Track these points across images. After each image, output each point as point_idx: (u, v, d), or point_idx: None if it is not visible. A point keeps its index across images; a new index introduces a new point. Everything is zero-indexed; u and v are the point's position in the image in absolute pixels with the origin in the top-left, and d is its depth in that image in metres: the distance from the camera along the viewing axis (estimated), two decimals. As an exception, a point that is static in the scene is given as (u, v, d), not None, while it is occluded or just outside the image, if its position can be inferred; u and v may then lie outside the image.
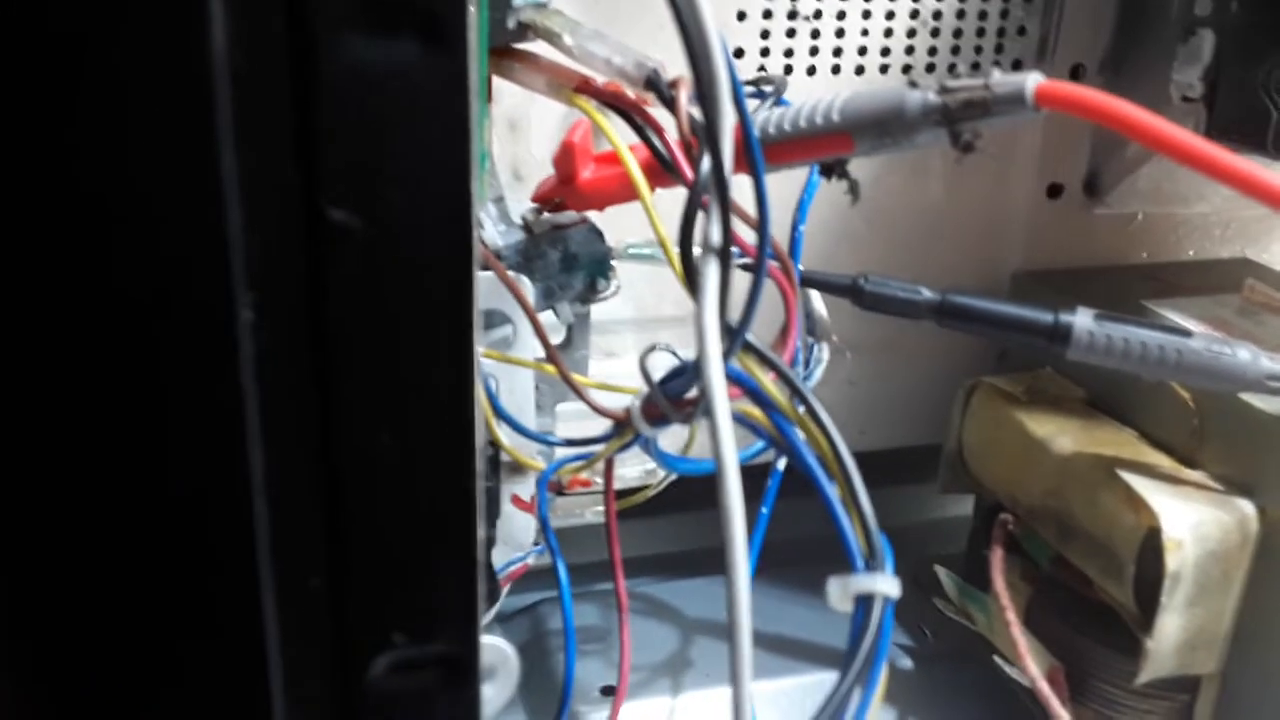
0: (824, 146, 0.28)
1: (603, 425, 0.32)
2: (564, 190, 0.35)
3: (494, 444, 0.36)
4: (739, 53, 0.44)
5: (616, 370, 0.44)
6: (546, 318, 0.36)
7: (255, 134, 0.16)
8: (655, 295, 0.45)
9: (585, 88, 0.32)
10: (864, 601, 0.24)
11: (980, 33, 0.46)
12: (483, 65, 0.32)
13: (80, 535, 0.18)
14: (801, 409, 0.26)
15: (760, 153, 0.24)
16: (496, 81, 0.34)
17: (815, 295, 0.37)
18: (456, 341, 0.18)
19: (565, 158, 0.34)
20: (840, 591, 0.24)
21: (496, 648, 0.24)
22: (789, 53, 0.44)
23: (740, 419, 0.27)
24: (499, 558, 0.39)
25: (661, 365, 0.29)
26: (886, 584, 0.24)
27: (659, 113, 0.31)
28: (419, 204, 0.17)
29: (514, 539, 0.39)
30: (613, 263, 0.37)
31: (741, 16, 0.43)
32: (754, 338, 0.26)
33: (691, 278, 0.24)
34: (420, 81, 0.17)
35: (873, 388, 0.50)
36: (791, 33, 0.44)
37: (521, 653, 0.25)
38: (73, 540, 0.18)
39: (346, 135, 0.17)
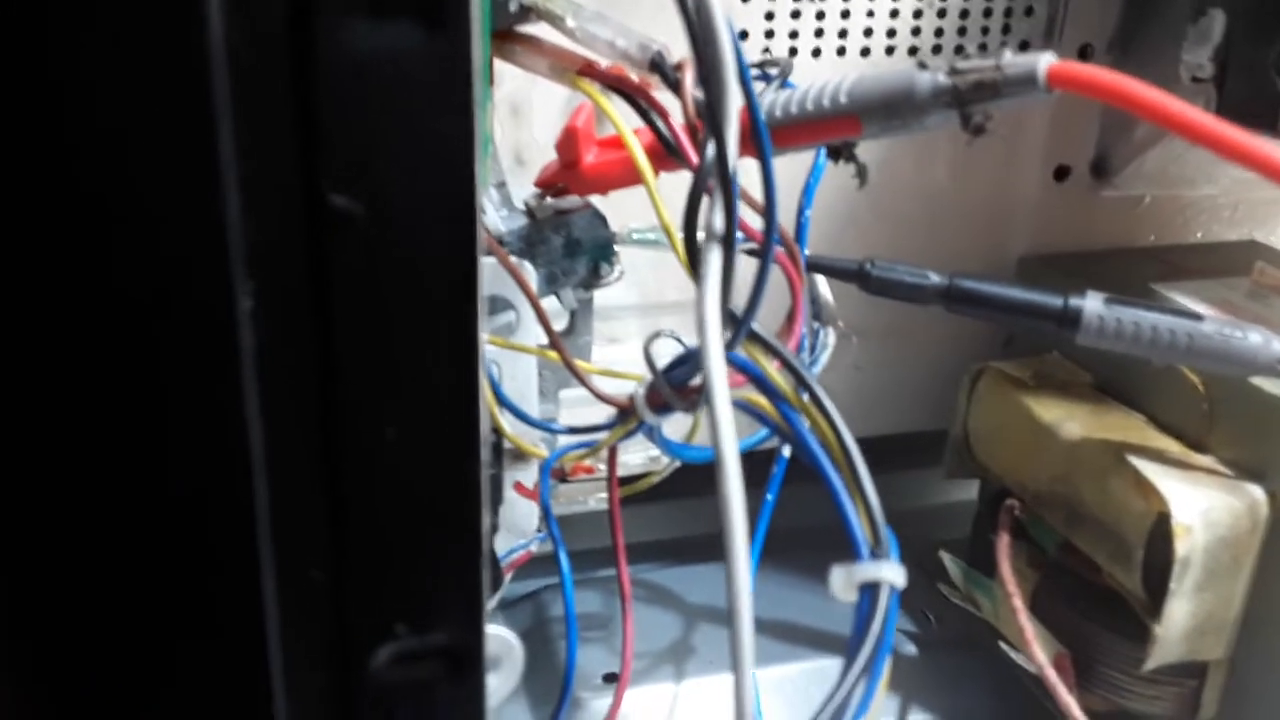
0: (831, 129, 0.28)
1: (606, 411, 0.32)
2: (567, 175, 0.34)
3: (497, 431, 0.36)
4: (743, 35, 0.43)
5: (619, 356, 0.43)
6: (549, 303, 0.36)
7: (254, 119, 0.16)
8: (658, 281, 0.45)
9: (588, 71, 0.32)
10: (869, 590, 0.24)
11: (987, 13, 0.46)
12: (485, 49, 0.32)
13: (79, 525, 0.18)
14: (806, 396, 0.26)
15: (767, 136, 0.24)
16: (498, 65, 0.34)
17: (821, 280, 0.37)
18: (461, 329, 0.18)
19: (568, 142, 0.33)
20: (844, 580, 0.24)
21: (501, 638, 0.24)
22: (793, 35, 0.44)
23: (744, 406, 0.27)
24: (502, 545, 0.38)
25: (666, 352, 0.28)
26: (892, 572, 0.24)
27: (663, 96, 0.30)
28: (422, 189, 0.17)
29: (517, 526, 0.39)
30: (616, 248, 0.36)
31: (746, -2, 0.43)
32: (758, 324, 0.26)
33: (695, 263, 0.24)
34: (421, 65, 0.16)
35: (878, 373, 0.50)
36: (796, 14, 0.44)
37: (524, 640, 0.25)
38: (71, 529, 0.18)
39: (347, 120, 0.16)
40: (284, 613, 0.19)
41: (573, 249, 0.35)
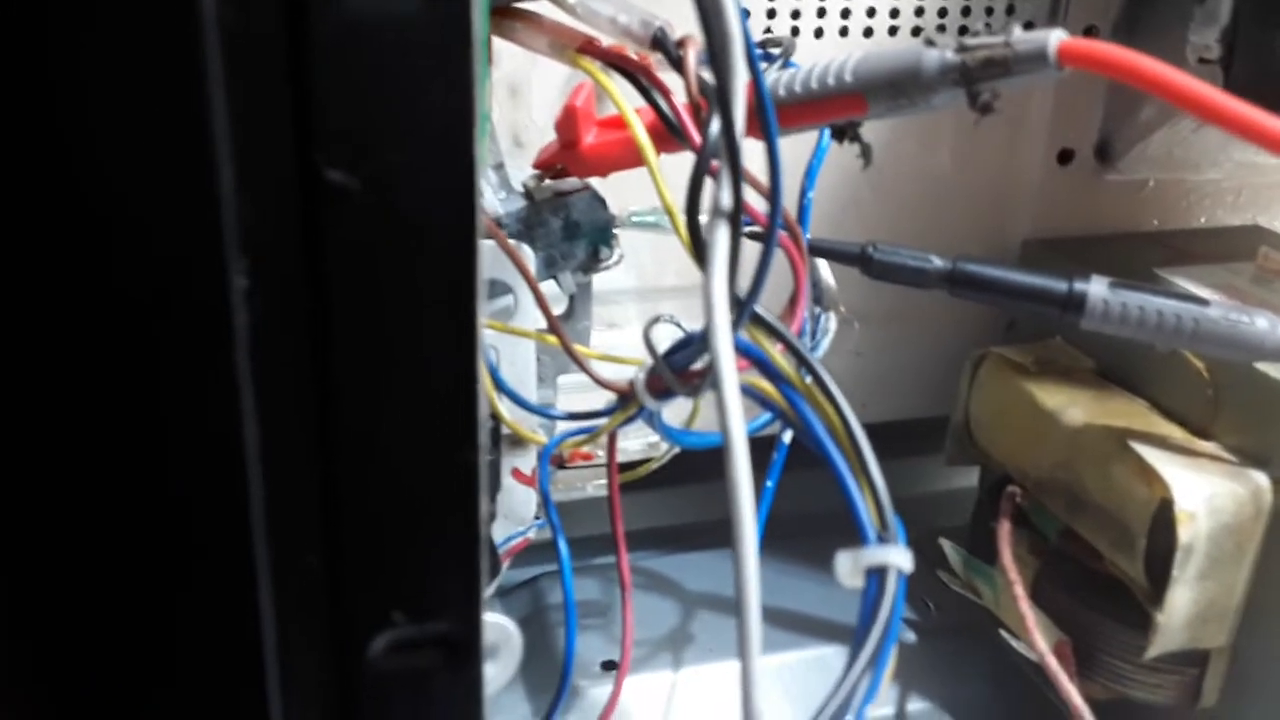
0: (836, 109, 0.27)
1: (605, 397, 0.31)
2: (566, 156, 0.34)
3: (495, 416, 0.36)
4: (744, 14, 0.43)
5: (618, 341, 0.43)
6: (548, 287, 0.35)
7: (247, 91, 0.16)
8: (657, 264, 0.45)
9: (589, 48, 0.31)
10: (876, 574, 0.24)
11: (991, -5, 0.45)
12: (484, 25, 0.32)
13: (70, 510, 0.17)
14: (809, 380, 0.26)
15: (774, 115, 0.23)
16: (497, 44, 0.34)
17: (823, 264, 0.37)
18: (459, 310, 0.18)
19: (568, 122, 0.33)
20: (851, 565, 0.24)
21: (500, 626, 0.24)
22: (795, 14, 0.43)
23: (748, 391, 0.26)
24: (500, 532, 0.38)
25: (665, 337, 0.28)
26: (899, 556, 0.24)
27: (666, 74, 0.30)
28: (420, 163, 0.17)
29: (515, 513, 0.39)
30: (615, 231, 0.36)
31: (747, -23, 0.42)
32: (760, 308, 0.25)
33: (699, 246, 0.23)
34: (420, 34, 0.16)
35: (879, 358, 0.50)
36: (798, -6, 0.43)
37: (522, 627, 0.25)
38: (62, 514, 0.17)
39: (343, 91, 0.16)
40: (280, 600, 0.18)
41: (572, 232, 0.35)
